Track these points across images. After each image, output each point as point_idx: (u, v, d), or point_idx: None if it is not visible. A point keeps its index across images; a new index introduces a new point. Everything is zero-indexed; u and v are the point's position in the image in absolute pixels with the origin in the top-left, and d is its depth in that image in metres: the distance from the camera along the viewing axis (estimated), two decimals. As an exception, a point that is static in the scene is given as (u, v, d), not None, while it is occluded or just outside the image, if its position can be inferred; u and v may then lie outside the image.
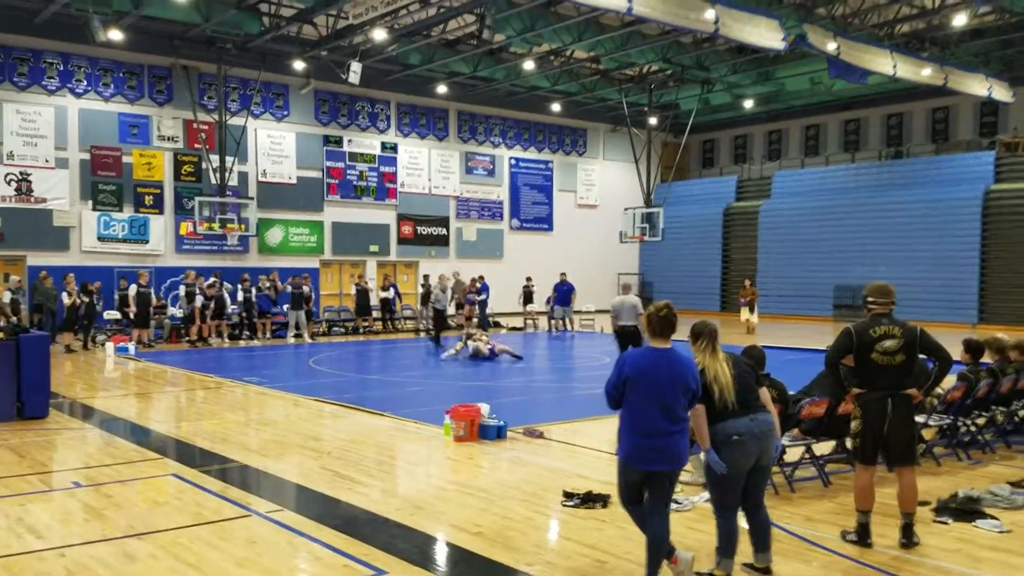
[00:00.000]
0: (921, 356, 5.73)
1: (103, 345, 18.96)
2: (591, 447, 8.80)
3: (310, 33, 22.58)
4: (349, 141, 26.92)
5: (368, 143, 27.33)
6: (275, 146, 25.35)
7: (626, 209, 29.85)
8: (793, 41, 19.87)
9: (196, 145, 23.56)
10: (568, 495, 6.70)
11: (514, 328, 25.92)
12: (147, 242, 23.16)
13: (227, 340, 21.20)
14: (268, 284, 22.37)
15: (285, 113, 25.60)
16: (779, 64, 26.16)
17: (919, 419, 6.97)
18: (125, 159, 22.76)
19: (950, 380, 7.12)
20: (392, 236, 27.95)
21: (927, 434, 8.10)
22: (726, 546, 4.92)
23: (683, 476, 5.99)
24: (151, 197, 23.23)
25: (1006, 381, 8.56)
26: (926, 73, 22.63)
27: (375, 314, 25.07)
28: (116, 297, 20.06)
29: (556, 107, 30.29)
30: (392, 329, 25.00)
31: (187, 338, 20.60)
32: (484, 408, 9.39)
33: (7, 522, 6.14)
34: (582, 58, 25.99)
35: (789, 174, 31.68)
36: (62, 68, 21.79)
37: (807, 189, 30.57)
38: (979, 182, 26.11)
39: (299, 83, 25.35)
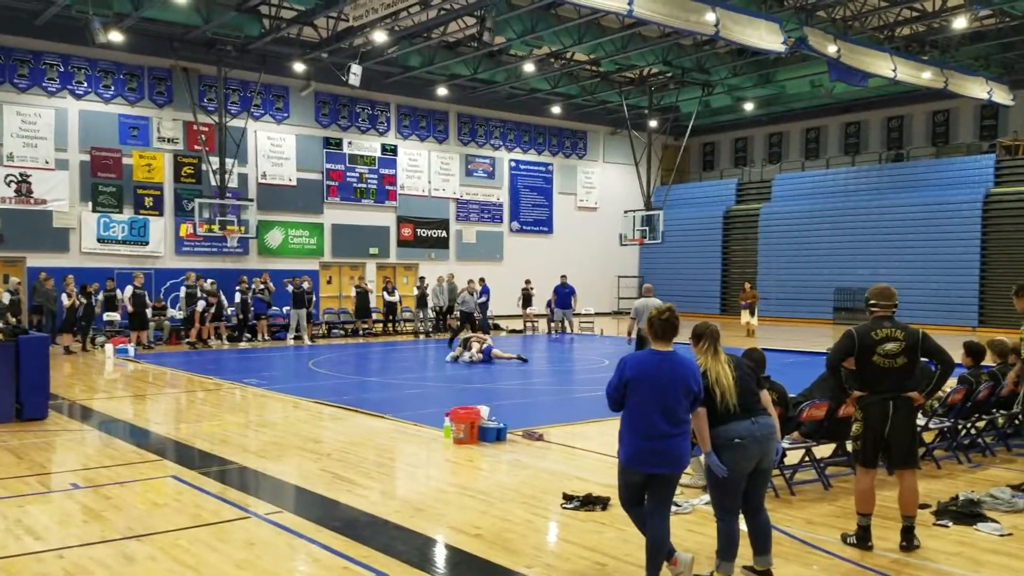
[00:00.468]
0: (923, 359, 5.72)
1: (102, 347, 18.93)
2: (591, 450, 8.78)
3: (310, 35, 22.61)
4: (349, 143, 26.92)
5: (368, 145, 27.34)
6: (275, 148, 25.35)
7: (626, 212, 29.86)
8: (793, 44, 19.87)
9: (196, 147, 23.57)
10: (568, 497, 6.69)
11: (514, 331, 25.91)
12: (147, 244, 23.16)
13: (226, 342, 21.20)
14: (261, 286, 22.32)
15: (285, 115, 25.61)
16: (779, 67, 26.18)
17: (919, 422, 6.95)
18: (125, 161, 22.77)
19: (950, 383, 7.10)
20: (392, 238, 27.95)
21: (927, 437, 8.09)
22: (726, 549, 4.90)
23: (683, 479, 5.97)
24: (151, 199, 23.24)
25: (1006, 384, 8.55)
26: (926, 76, 22.63)
27: (375, 316, 25.08)
28: (102, 298, 19.83)
29: (556, 109, 30.31)
30: (393, 331, 24.99)
31: (187, 340, 20.60)
32: (484, 410, 9.37)
33: (6, 523, 6.13)
34: (582, 60, 26.00)
35: (789, 177, 31.69)
36: (62, 70, 21.80)
37: (807, 192, 30.56)
38: (979, 185, 26.12)
39: (299, 85, 25.37)
